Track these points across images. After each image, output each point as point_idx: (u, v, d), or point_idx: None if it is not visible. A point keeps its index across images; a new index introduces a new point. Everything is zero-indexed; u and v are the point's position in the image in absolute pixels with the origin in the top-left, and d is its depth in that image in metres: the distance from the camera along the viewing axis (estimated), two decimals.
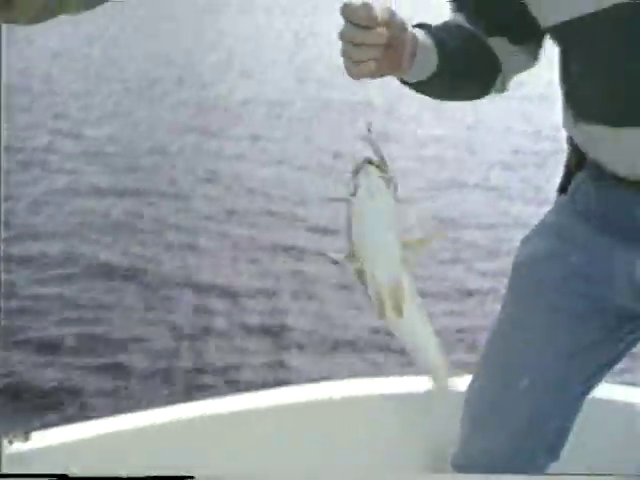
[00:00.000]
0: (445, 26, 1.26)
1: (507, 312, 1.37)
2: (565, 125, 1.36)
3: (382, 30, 1.01)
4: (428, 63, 1.16)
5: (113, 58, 11.50)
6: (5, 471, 1.47)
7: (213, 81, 10.32)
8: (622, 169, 1.25)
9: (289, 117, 8.71)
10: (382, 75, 1.07)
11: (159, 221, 5.63)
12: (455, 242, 5.21)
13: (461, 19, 1.29)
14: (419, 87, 1.20)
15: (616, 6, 1.15)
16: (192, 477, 1.21)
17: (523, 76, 1.39)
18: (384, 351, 3.80)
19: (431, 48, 1.16)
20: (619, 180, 1.26)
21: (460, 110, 8.03)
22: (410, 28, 1.09)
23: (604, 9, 1.17)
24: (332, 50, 1.25)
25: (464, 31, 1.27)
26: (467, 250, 5.19)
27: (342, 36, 1.01)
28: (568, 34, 1.26)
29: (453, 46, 1.21)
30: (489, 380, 1.37)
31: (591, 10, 1.19)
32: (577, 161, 1.36)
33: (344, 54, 1.02)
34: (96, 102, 8.97)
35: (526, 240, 1.38)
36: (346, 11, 0.99)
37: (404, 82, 1.18)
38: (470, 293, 4.60)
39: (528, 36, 1.32)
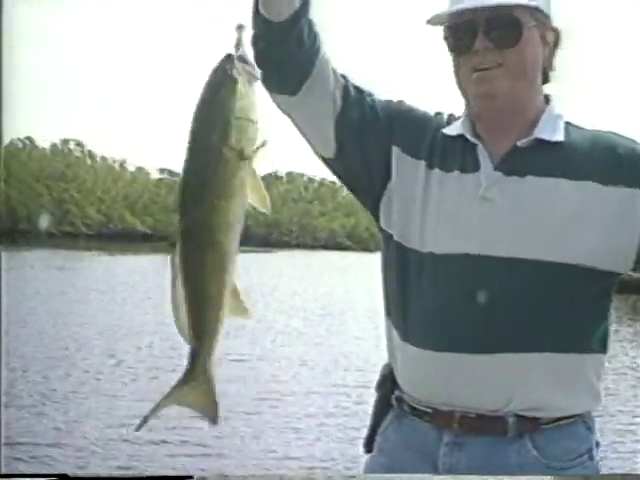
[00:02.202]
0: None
1: None
2: (388, 349, 1.62)
3: None
4: (293, 6, 1.46)
5: None
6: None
7: None
8: (425, 395, 1.54)
9: None
10: None
11: None
12: None
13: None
14: (272, 31, 1.45)
15: (461, 255, 1.49)
16: (191, 477, 1.40)
17: None
18: None
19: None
20: (420, 414, 1.55)
21: None
22: None
23: (448, 254, 1.51)
24: None
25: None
26: None
27: None
28: (406, 257, 1.56)
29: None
30: None
31: (438, 251, 1.52)
32: (383, 408, 1.64)
33: None
34: None
35: None
36: None
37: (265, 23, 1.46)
38: None
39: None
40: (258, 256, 34.16)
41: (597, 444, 1.59)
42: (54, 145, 64.10)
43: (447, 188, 1.54)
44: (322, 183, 72.52)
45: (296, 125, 1.58)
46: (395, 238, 1.58)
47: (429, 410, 1.54)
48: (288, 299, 18.89)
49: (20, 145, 61.17)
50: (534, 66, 1.53)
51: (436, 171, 1.55)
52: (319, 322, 14.91)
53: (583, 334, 1.53)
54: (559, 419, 1.52)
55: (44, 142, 62.95)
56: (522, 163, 1.51)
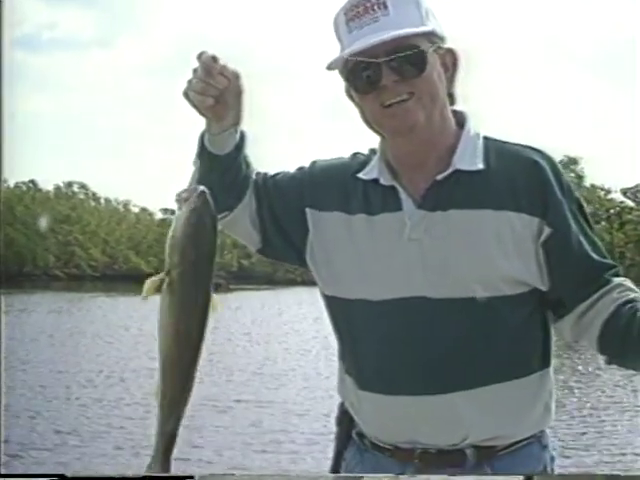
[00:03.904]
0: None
1: None
2: (340, 392, 1.67)
3: (222, 79, 1.45)
4: (234, 141, 1.55)
5: None
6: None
7: None
8: (386, 436, 1.57)
9: None
10: (209, 115, 1.51)
11: None
12: None
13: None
14: (215, 163, 1.55)
15: (398, 300, 1.51)
16: (192, 477, 1.35)
17: None
18: None
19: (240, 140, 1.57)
20: (382, 450, 1.58)
21: None
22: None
23: (384, 300, 1.52)
24: None
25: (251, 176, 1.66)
26: None
27: (194, 73, 1.45)
28: (343, 308, 1.59)
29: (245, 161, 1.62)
30: None
31: (374, 298, 1.53)
32: (344, 439, 1.66)
33: (191, 86, 1.47)
34: None
35: None
36: (201, 55, 1.45)
37: (208, 154, 1.54)
38: None
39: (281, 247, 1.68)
40: (262, 294, 33.79)
41: (552, 459, 1.62)
42: (58, 188, 64.18)
43: (375, 231, 1.55)
44: None
45: (227, 230, 1.64)
46: (327, 293, 1.62)
47: (390, 447, 1.57)
48: (290, 337, 18.37)
49: (24, 189, 61.25)
50: (443, 91, 1.52)
51: (360, 216, 1.57)
52: (323, 362, 14.00)
53: (525, 357, 1.55)
54: (515, 443, 1.55)
55: (48, 185, 62.97)
56: (444, 197, 1.51)
